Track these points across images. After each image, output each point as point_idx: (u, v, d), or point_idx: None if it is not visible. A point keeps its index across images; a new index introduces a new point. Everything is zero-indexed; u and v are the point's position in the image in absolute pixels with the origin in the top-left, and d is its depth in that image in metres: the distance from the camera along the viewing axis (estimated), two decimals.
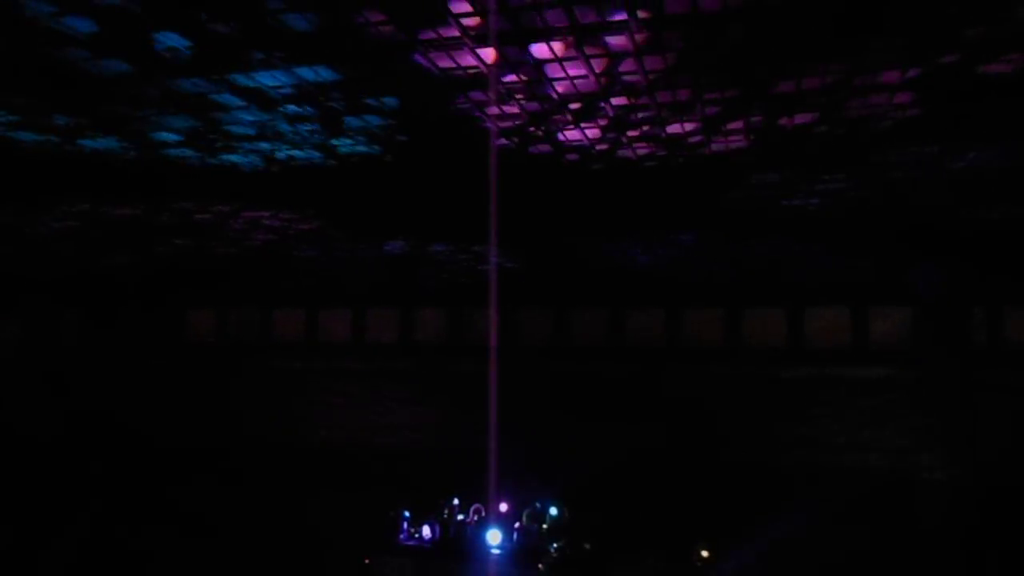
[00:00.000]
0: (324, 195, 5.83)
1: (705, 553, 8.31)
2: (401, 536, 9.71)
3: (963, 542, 9.89)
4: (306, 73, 3.54)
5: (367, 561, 9.46)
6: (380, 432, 14.33)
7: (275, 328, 15.30)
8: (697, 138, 4.10)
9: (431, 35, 2.97)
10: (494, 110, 3.90)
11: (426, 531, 9.60)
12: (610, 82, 3.32)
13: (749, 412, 12.52)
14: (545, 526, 9.41)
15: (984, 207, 5.26)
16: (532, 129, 4.22)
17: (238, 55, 3.32)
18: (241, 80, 3.70)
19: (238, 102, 4.02)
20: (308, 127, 4.40)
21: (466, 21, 2.76)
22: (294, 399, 14.91)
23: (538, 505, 9.69)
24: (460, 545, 9.43)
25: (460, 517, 9.87)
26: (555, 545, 8.79)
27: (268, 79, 3.69)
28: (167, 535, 11.98)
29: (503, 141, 4.46)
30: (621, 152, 4.55)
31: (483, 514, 9.87)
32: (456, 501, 10.05)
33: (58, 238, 6.62)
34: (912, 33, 2.55)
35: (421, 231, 6.77)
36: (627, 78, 3.27)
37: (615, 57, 3.02)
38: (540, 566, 8.64)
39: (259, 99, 3.99)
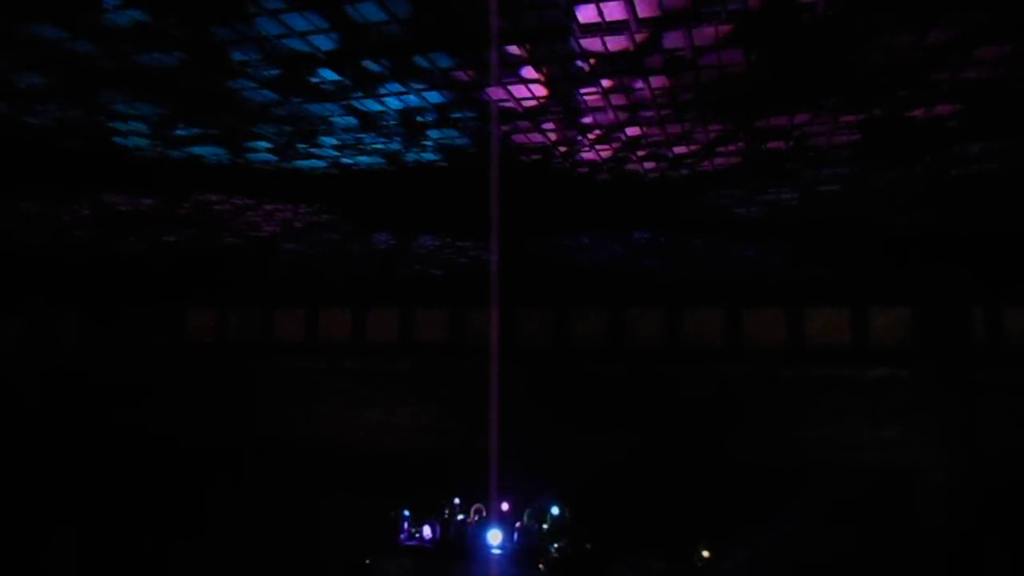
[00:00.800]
0: (369, 195, 6.35)
1: (706, 553, 8.32)
2: (402, 536, 9.70)
3: (963, 542, 9.90)
4: (414, 98, 4.13)
5: (367, 561, 9.45)
6: (380, 432, 14.33)
7: (275, 328, 15.30)
8: (695, 157, 4.95)
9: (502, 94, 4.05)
10: (536, 137, 4.74)
11: (427, 531, 9.59)
12: (629, 119, 4.24)
13: (749, 412, 12.54)
14: (546, 526, 9.41)
15: (900, 214, 6.55)
16: (556, 151, 4.97)
17: (374, 85, 3.97)
18: (366, 104, 4.28)
19: (350, 121, 4.58)
20: (395, 140, 4.95)
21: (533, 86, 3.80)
22: (294, 399, 14.91)
23: (538, 505, 9.68)
24: (461, 545, 9.43)
25: (461, 517, 9.87)
26: (556, 545, 8.79)
27: (391, 102, 4.24)
28: (166, 535, 11.97)
29: (529, 157, 5.18)
30: (628, 167, 5.30)
31: (484, 514, 9.87)
32: (457, 501, 10.05)
33: (81, 226, 7.03)
34: (852, 94, 3.73)
35: (434, 226, 7.37)
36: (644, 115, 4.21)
37: (637, 107, 4.01)
38: (541, 566, 8.63)
39: (366, 118, 4.58)
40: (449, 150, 5.08)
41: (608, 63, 3.41)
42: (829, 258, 8.24)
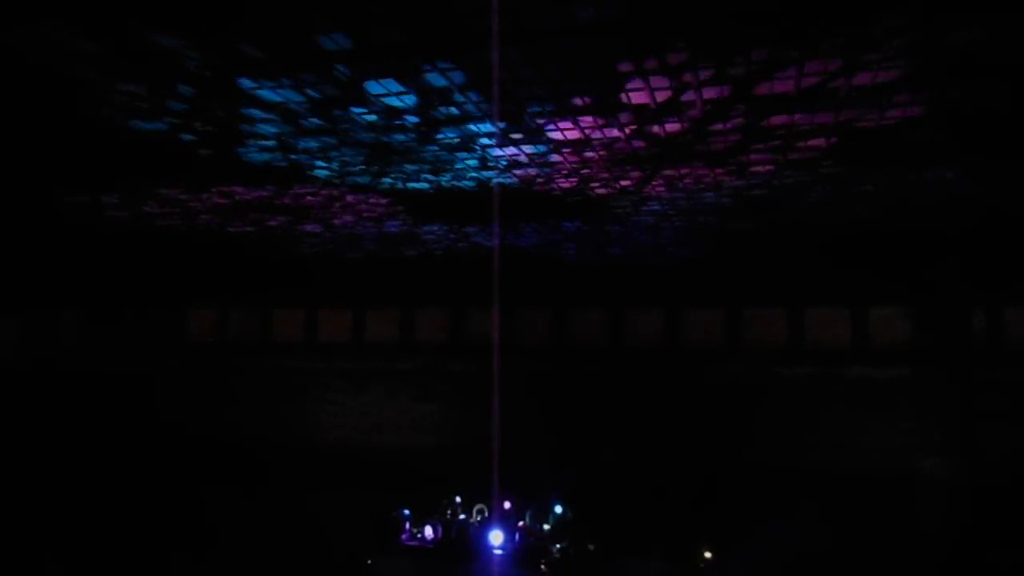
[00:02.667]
0: (445, 203, 7.90)
1: (708, 554, 8.32)
2: (403, 536, 9.70)
3: (963, 542, 9.93)
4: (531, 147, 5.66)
5: (369, 562, 9.45)
6: (381, 432, 14.33)
7: (275, 328, 15.29)
8: (632, 187, 7.13)
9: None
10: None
11: (428, 531, 9.58)
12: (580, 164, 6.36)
13: (749, 412, 12.55)
14: (548, 526, 9.41)
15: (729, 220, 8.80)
16: (537, 182, 6.99)
17: (510, 144, 5.60)
18: (495, 152, 5.82)
19: (473, 161, 6.12)
20: (494, 172, 6.50)
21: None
22: (294, 399, 14.90)
23: (540, 505, 9.69)
24: (462, 545, 9.43)
25: (462, 517, 9.87)
26: (558, 545, 8.80)
27: (513, 150, 5.84)
28: (168, 535, 11.96)
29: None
30: (588, 191, 7.26)
31: (485, 514, 9.87)
32: (458, 500, 10.05)
33: (208, 211, 8.38)
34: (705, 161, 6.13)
35: (454, 218, 8.90)
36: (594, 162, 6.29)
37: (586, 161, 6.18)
38: (543, 567, 8.64)
39: (485, 160, 6.11)
40: (523, 178, 6.83)
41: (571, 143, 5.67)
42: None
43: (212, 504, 12.87)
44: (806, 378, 12.38)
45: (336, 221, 8.88)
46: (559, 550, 8.72)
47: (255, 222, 9.00)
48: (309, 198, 7.62)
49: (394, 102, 4.65)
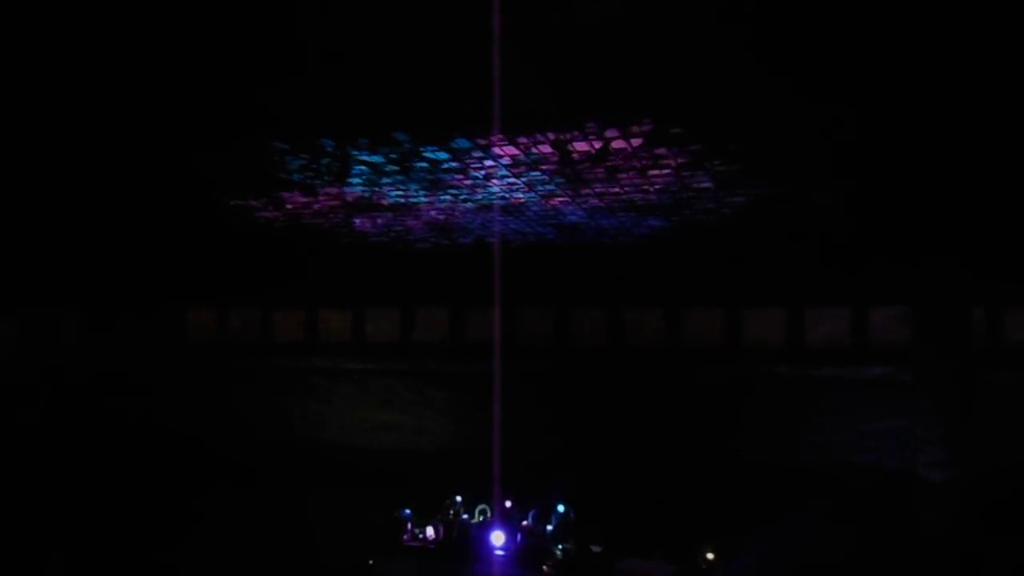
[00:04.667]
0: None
1: (710, 555, 8.33)
2: (405, 537, 9.70)
3: (963, 543, 9.95)
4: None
5: (370, 562, 9.45)
6: (381, 432, 14.33)
7: (275, 328, 15.27)
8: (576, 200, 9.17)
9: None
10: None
11: (430, 532, 9.58)
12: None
13: (749, 413, 12.58)
14: (550, 527, 9.42)
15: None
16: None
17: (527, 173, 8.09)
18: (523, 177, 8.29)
19: (495, 187, 8.65)
20: (521, 190, 8.78)
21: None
22: (294, 399, 14.89)
23: (542, 505, 9.69)
24: (464, 546, 9.43)
25: (464, 517, 9.88)
26: (561, 546, 8.80)
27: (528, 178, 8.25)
28: (168, 535, 11.95)
29: None
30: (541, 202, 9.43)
31: (487, 515, 9.88)
32: (459, 499, 10.06)
33: (319, 212, 10.47)
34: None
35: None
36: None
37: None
38: (545, 567, 8.64)
39: (513, 187, 8.65)
40: (543, 194, 8.92)
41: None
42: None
43: (211, 504, 12.86)
44: (806, 378, 12.41)
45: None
46: (561, 551, 8.73)
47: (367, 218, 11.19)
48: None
49: (438, 156, 7.31)
